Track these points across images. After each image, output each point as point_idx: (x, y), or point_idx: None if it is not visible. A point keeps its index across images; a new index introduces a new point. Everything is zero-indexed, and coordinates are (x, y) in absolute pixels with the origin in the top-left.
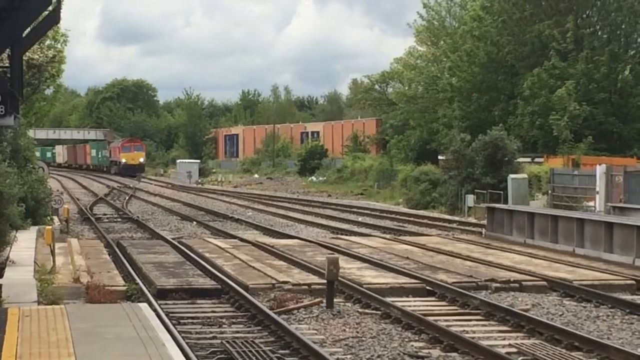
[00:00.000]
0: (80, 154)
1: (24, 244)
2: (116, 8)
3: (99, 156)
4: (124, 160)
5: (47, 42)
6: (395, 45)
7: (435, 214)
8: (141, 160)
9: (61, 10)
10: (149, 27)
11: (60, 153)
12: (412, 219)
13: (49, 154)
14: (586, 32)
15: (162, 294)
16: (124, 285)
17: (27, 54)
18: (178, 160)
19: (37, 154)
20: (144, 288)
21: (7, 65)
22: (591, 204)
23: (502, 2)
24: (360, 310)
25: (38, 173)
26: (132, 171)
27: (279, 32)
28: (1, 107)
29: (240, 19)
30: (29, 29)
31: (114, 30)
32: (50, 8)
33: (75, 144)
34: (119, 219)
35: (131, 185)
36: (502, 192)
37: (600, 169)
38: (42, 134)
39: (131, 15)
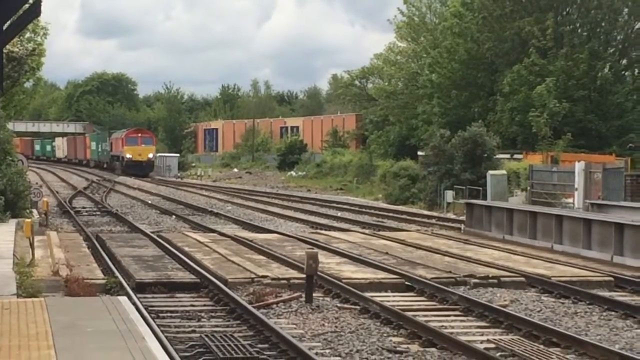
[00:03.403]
0: (80, 147)
1: (3, 236)
2: (96, 1)
3: (99, 150)
4: (128, 156)
5: (27, 34)
6: (376, 41)
7: (414, 210)
8: (150, 156)
9: (42, 3)
10: (129, 21)
11: (60, 146)
12: (391, 214)
13: (48, 148)
14: (566, 29)
15: (141, 288)
16: (103, 279)
17: (7, 46)
18: (157, 154)
19: (37, 147)
20: (123, 281)
21: None
22: (570, 200)
23: (484, 3)
24: (339, 305)
25: (17, 166)
26: (139, 169)
27: (259, 27)
28: None
29: (220, 13)
30: (9, 22)
31: (94, 23)
32: (30, 1)
33: (76, 136)
34: (98, 213)
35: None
36: (481, 188)
37: (579, 166)
38: (21, 126)
39: (111, 9)
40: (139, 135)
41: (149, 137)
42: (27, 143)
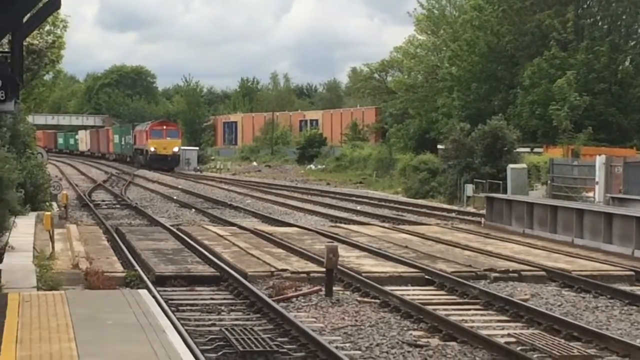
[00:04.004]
0: (103, 140)
1: (23, 229)
2: None
3: (122, 143)
4: (152, 149)
5: (47, 27)
6: (395, 34)
7: (434, 203)
8: (175, 149)
9: None
10: (148, 14)
11: (84, 139)
12: (410, 208)
13: (71, 141)
14: (587, 22)
15: (161, 281)
16: (122, 272)
17: (27, 39)
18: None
19: (60, 140)
20: (143, 275)
21: (7, 50)
22: (590, 194)
23: None
24: (359, 298)
25: (37, 159)
26: (164, 163)
27: (278, 20)
28: (1, 93)
29: (239, 6)
30: (29, 15)
31: (113, 16)
32: None
33: (99, 129)
34: (118, 206)
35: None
36: (501, 181)
37: (599, 160)
38: (41, 119)
39: (130, 2)
40: (164, 127)
41: (175, 129)
42: (50, 136)
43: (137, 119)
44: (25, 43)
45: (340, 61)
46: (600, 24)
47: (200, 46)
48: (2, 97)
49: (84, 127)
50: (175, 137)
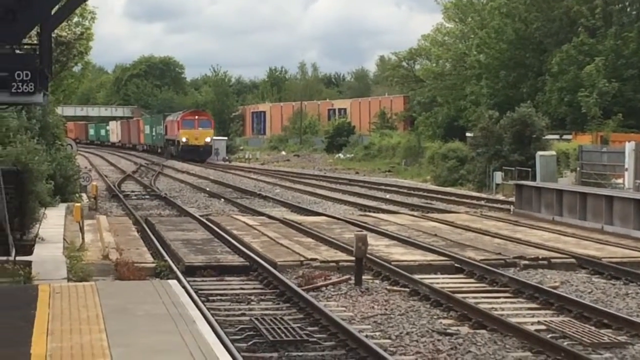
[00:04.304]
0: (133, 131)
1: (53, 221)
2: None
3: (153, 134)
4: (184, 139)
5: (75, 19)
6: (423, 22)
7: (463, 191)
8: (208, 140)
9: None
10: (176, 4)
11: (115, 130)
12: (439, 196)
13: (102, 132)
14: (615, 8)
15: (191, 271)
16: (152, 262)
17: (55, 31)
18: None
19: (91, 132)
20: (173, 265)
21: (36, 42)
22: (620, 181)
23: None
24: (388, 287)
25: (66, 150)
26: (196, 154)
27: (305, 9)
28: (31, 85)
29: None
30: (57, 6)
31: (141, 7)
32: None
33: (129, 120)
34: (147, 196)
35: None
36: (530, 169)
37: (629, 146)
38: (70, 111)
39: None
40: (196, 117)
41: (207, 119)
42: (81, 127)
43: (166, 110)
44: (53, 35)
45: (368, 50)
46: (628, 10)
47: (228, 36)
48: (31, 89)
49: (113, 118)
50: (207, 127)
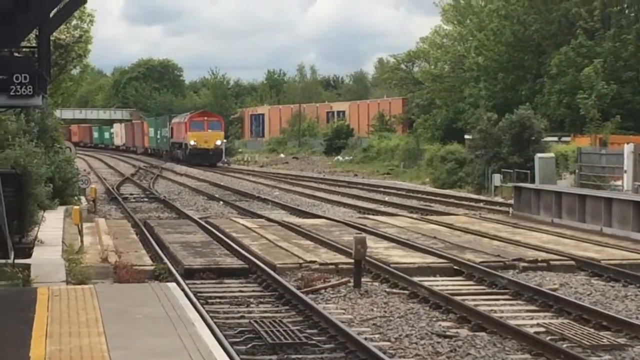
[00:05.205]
0: (137, 134)
1: (52, 224)
2: None
3: (158, 137)
4: (192, 142)
5: (74, 22)
6: (421, 25)
7: (462, 194)
8: (218, 143)
9: None
10: (174, 7)
11: (119, 133)
12: (438, 198)
13: (107, 135)
14: (613, 10)
15: (190, 274)
16: (151, 265)
17: (54, 34)
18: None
19: (96, 135)
20: (172, 268)
21: (34, 45)
22: (619, 183)
23: None
24: (387, 289)
25: (65, 153)
26: (205, 158)
27: (304, 11)
28: (29, 88)
29: (264, 1)
30: (56, 9)
31: (139, 9)
32: None
33: (133, 122)
34: (146, 199)
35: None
36: (529, 171)
37: (628, 148)
38: (68, 114)
39: None
40: (205, 118)
41: (217, 120)
42: (85, 130)
43: (165, 112)
44: (52, 38)
45: (366, 52)
46: (627, 12)
47: (227, 39)
48: (30, 92)
49: (112, 121)
50: (217, 129)
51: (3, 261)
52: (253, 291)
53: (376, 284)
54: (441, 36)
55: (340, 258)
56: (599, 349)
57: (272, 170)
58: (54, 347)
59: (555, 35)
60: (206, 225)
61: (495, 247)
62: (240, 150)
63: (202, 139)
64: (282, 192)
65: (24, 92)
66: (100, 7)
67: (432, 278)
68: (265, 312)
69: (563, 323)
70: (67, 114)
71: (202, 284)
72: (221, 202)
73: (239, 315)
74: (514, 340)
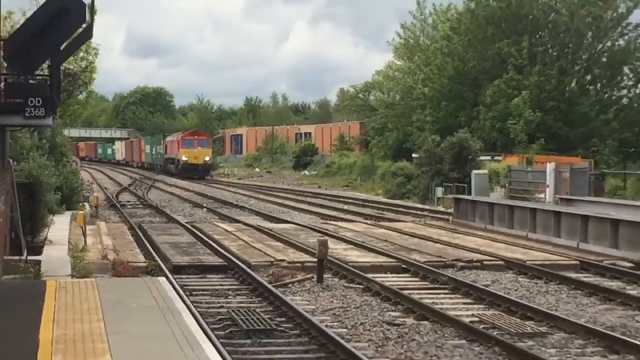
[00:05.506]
0: (136, 150)
1: (60, 226)
2: (139, 25)
3: (153, 153)
4: (184, 158)
5: (81, 54)
6: (377, 60)
7: (409, 204)
8: (207, 159)
9: (93, 28)
10: (167, 43)
11: (120, 149)
12: (389, 207)
13: (109, 151)
14: (539, 50)
15: (177, 270)
16: (144, 262)
17: (63, 64)
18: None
19: (100, 151)
20: (162, 264)
21: (47, 74)
22: (542, 195)
23: (468, 24)
24: (345, 284)
25: (72, 166)
26: (195, 172)
27: (277, 48)
28: (42, 110)
29: (245, 36)
30: (65, 43)
31: (138, 45)
32: (84, 26)
33: (132, 140)
34: (140, 206)
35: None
36: (466, 185)
37: (550, 167)
38: (75, 132)
39: (152, 32)
40: (195, 137)
41: (205, 139)
42: (91, 147)
43: (157, 132)
44: (62, 67)
45: (330, 83)
46: (550, 51)
47: (212, 70)
48: (42, 113)
49: (112, 140)
50: (206, 146)
51: (17, 258)
52: (231, 285)
53: (336, 279)
54: (393, 70)
55: (306, 257)
56: (524, 336)
57: (249, 183)
58: (60, 331)
59: (489, 70)
60: (192, 228)
61: (437, 249)
62: (221, 165)
63: (192, 155)
64: (257, 201)
65: (37, 113)
66: (104, 42)
67: (383, 275)
68: (241, 302)
69: (494, 314)
70: (74, 132)
71: (187, 278)
72: (205, 209)
73: (218, 305)
74: (452, 328)
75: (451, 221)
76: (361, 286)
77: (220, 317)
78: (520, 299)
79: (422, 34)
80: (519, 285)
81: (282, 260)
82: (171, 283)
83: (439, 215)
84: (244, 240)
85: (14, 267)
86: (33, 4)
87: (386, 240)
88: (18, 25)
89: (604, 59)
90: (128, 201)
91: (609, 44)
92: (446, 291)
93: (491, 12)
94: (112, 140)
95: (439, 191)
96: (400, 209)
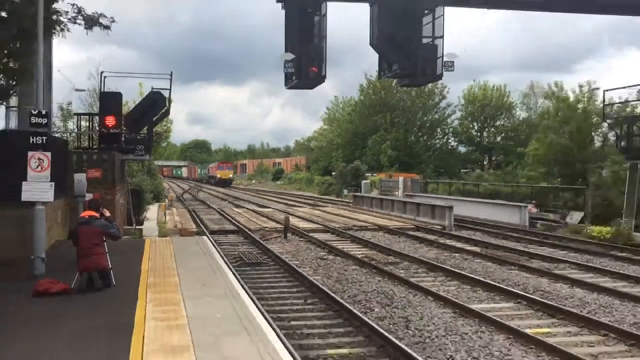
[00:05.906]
0: (192, 171)
1: (152, 210)
2: (194, 106)
3: (202, 173)
4: (218, 176)
5: (164, 123)
6: (315, 125)
7: (330, 198)
8: (230, 176)
9: (170, 109)
10: (207, 116)
11: (185, 171)
12: (321, 200)
13: (179, 172)
14: (395, 119)
15: (212, 232)
16: (196, 229)
17: (155, 128)
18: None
19: (174, 172)
20: (205, 230)
21: (146, 132)
22: (397, 193)
23: (360, 106)
24: (298, 239)
25: (159, 179)
26: (224, 183)
27: (263, 119)
28: (143, 151)
29: (247, 113)
30: (155, 117)
31: (192, 118)
32: (165, 108)
33: (190, 166)
34: (194, 200)
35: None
36: (359, 187)
37: (401, 179)
38: (161, 162)
39: (199, 110)
40: (225, 164)
41: (230, 165)
42: (169, 170)
43: (204, 162)
44: (154, 129)
45: (291, 137)
46: (400, 120)
47: (231, 131)
48: (143, 153)
49: (180, 166)
50: (230, 169)
51: (130, 227)
52: (240, 240)
53: (294, 237)
54: (323, 130)
55: (278, 226)
56: (387, 264)
57: (249, 188)
58: (151, 264)
59: (371, 130)
60: (220, 211)
61: (344, 220)
62: (234, 179)
63: (222, 174)
64: (254, 197)
65: (141, 153)
66: (175, 116)
67: (318, 234)
68: (245, 249)
69: (373, 252)
70: (160, 162)
71: (218, 237)
72: (227, 201)
73: (233, 250)
74: (352, 260)
75: (351, 207)
76: (306, 239)
77: (234, 256)
78: (387, 245)
79: (337, 111)
80: (385, 238)
81: (266, 227)
82: (210, 239)
83: (345, 204)
84: (247, 217)
85: (129, 232)
86: (139, 96)
87: (319, 217)
88: (130, 109)
89: (428, 124)
90: (187, 198)
91: (430, 117)
92: (348, 241)
93: (371, 101)
94: (180, 167)
95: (345, 191)
96: (326, 201)
